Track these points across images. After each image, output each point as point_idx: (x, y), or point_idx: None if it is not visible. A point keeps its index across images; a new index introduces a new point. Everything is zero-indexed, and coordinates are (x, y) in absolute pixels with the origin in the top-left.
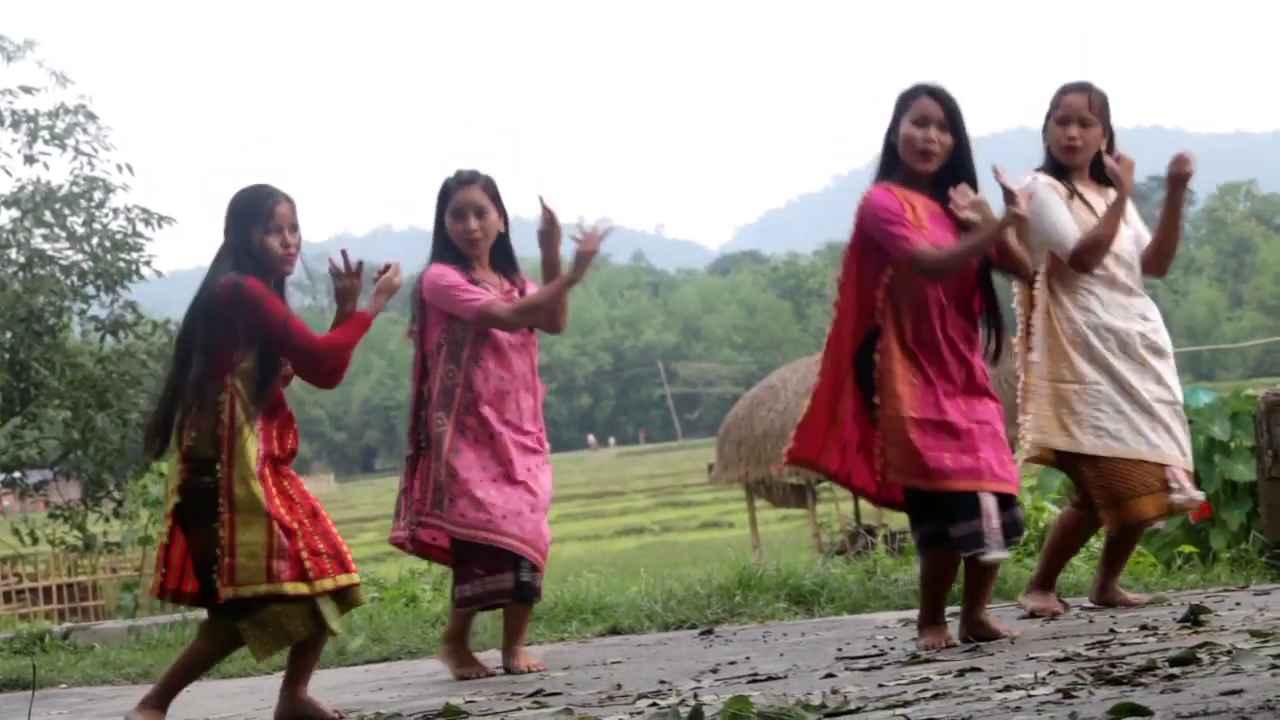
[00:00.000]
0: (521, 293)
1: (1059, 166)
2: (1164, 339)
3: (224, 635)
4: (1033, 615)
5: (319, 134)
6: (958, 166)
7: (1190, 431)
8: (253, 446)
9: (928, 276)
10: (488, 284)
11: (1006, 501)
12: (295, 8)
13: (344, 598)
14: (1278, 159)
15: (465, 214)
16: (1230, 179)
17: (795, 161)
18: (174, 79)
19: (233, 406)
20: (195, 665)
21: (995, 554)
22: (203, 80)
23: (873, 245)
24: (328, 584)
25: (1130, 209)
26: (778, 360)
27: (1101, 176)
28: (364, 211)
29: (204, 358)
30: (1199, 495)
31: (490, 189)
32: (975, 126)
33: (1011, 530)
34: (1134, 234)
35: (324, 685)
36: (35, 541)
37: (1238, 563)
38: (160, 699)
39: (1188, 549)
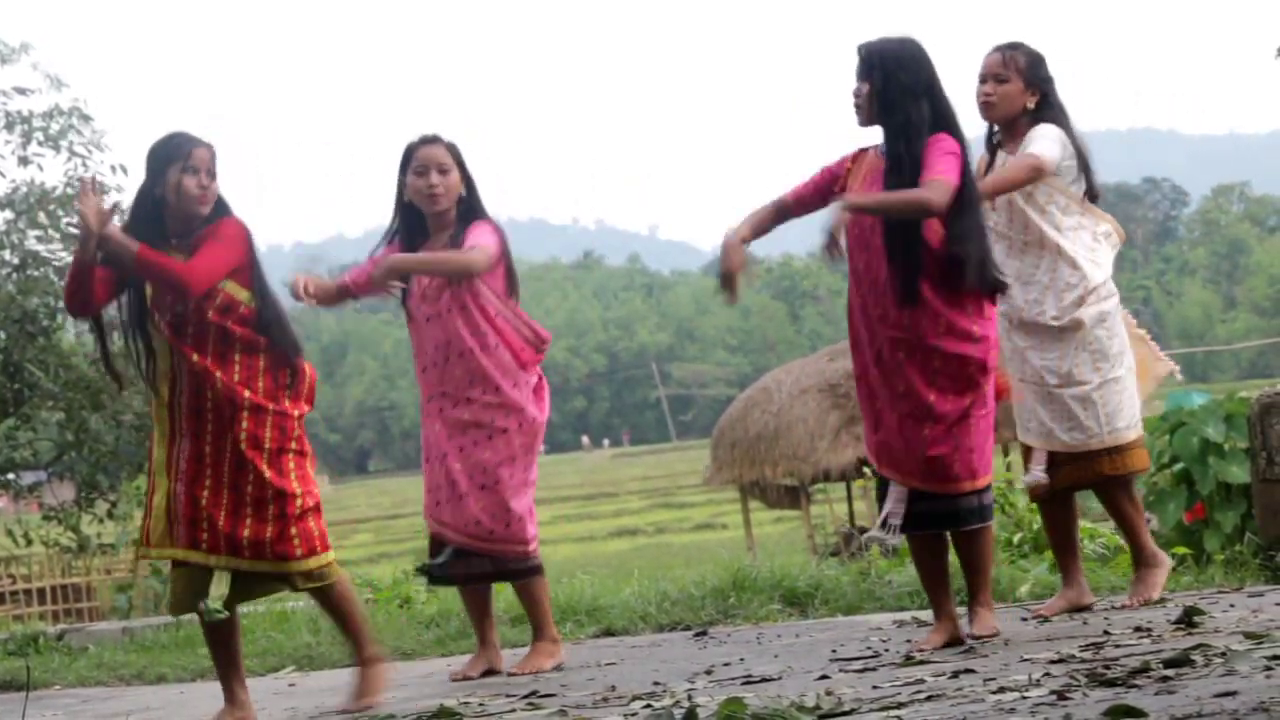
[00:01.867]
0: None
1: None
2: (1047, 307)
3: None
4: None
5: (314, 135)
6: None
7: (1186, 433)
8: (162, 409)
9: None
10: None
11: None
12: (289, 11)
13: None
14: (1271, 161)
15: (427, 170)
16: (1224, 181)
17: (790, 163)
18: (168, 81)
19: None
20: (208, 636)
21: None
22: (197, 83)
23: None
24: (213, 560)
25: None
26: (772, 362)
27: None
28: (358, 213)
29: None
30: (1038, 478)
31: (454, 151)
32: (967, 128)
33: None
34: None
35: (320, 686)
36: (29, 543)
37: (1232, 564)
38: (226, 693)
39: (1182, 550)
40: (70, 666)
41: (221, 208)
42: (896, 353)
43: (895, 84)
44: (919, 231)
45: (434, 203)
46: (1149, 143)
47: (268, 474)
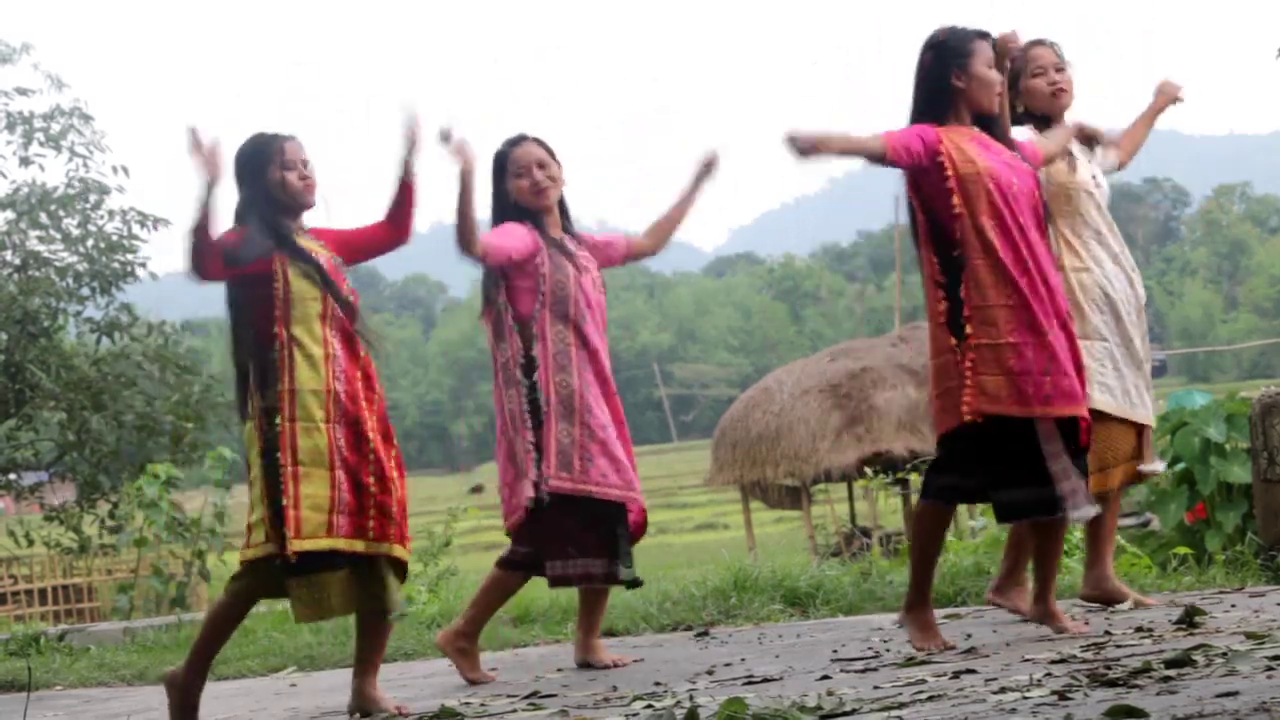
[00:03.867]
0: (590, 248)
1: (1038, 121)
2: (1143, 294)
3: (253, 591)
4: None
5: (313, 133)
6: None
7: (1187, 433)
8: (310, 395)
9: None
10: (561, 240)
11: None
12: (289, 11)
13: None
14: (1273, 161)
15: (529, 169)
16: (1225, 181)
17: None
18: (169, 81)
19: (290, 353)
20: (227, 622)
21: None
22: (198, 82)
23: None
24: (384, 549)
25: (1095, 164)
26: (773, 362)
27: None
28: (359, 213)
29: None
30: (1160, 465)
31: (545, 144)
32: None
33: None
34: (1105, 183)
35: (320, 687)
36: (30, 543)
37: (1233, 565)
38: (204, 668)
39: (1183, 550)
40: (71, 667)
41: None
42: None
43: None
44: None
45: (545, 197)
46: (1150, 143)
47: (391, 463)
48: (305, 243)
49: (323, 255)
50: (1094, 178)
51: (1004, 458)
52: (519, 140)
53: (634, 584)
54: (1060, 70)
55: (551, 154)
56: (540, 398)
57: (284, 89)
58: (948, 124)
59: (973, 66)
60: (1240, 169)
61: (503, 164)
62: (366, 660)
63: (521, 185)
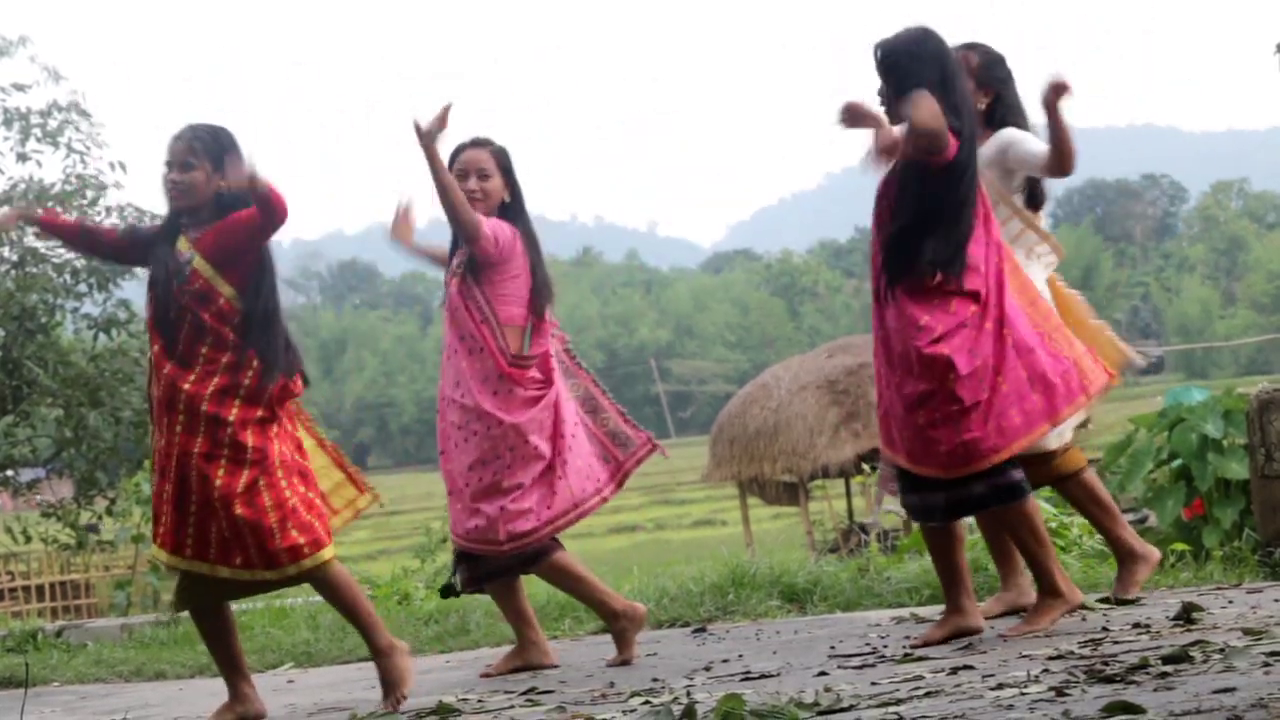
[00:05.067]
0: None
1: None
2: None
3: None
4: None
5: (313, 131)
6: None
7: (1185, 429)
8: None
9: None
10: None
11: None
12: (288, 7)
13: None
14: (1270, 157)
15: (467, 174)
16: (1223, 177)
17: (788, 159)
18: (166, 76)
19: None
20: (205, 634)
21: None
22: (195, 78)
23: None
24: (198, 567)
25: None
26: (770, 358)
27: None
28: (357, 209)
29: None
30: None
31: (501, 157)
32: None
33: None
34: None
35: (319, 683)
36: (28, 540)
37: (1230, 561)
38: (229, 687)
39: (1180, 547)
40: (69, 663)
41: (236, 200)
42: None
43: (910, 82)
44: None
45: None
46: (1148, 139)
47: (218, 482)
48: (182, 240)
49: (181, 251)
50: None
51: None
52: (476, 143)
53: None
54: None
55: (504, 167)
56: None
57: (284, 89)
58: None
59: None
60: (1238, 165)
61: (452, 161)
62: (355, 626)
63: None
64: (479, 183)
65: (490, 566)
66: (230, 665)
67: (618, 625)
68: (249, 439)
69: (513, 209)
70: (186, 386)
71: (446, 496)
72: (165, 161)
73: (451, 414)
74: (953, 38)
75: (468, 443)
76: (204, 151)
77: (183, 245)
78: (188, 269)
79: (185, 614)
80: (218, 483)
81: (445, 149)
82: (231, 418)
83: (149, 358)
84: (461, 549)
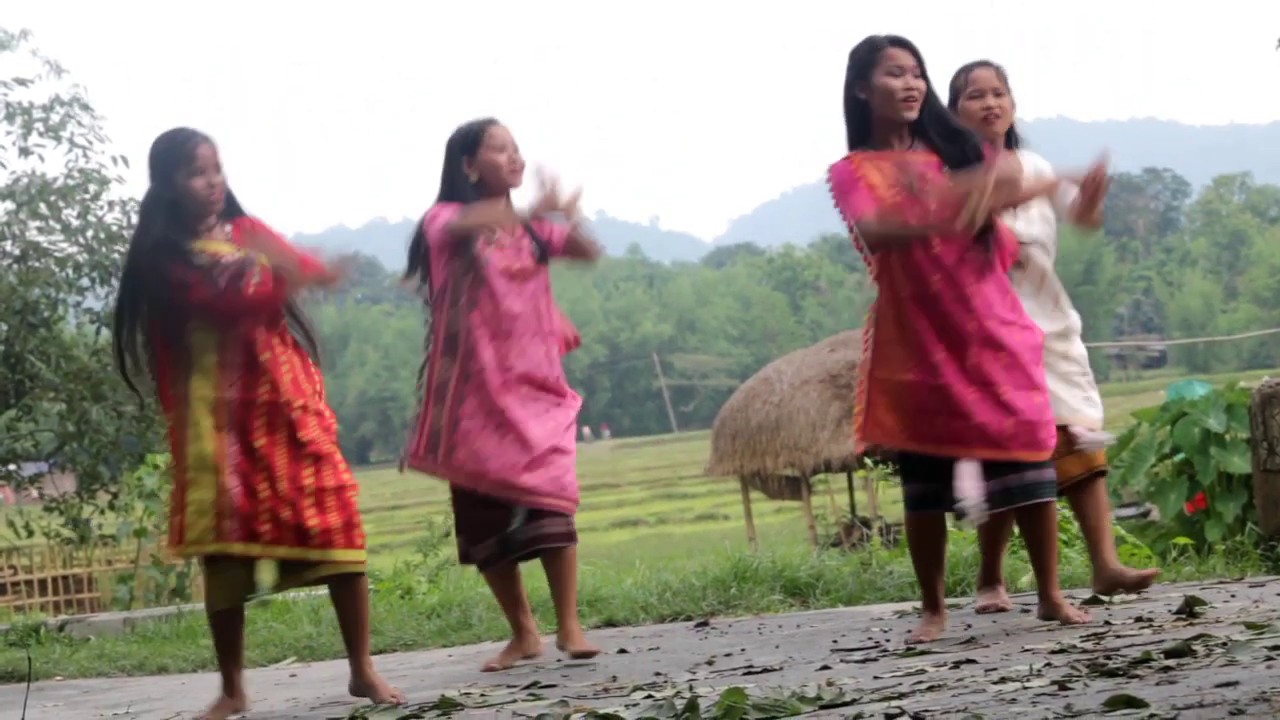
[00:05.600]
0: (536, 238)
1: None
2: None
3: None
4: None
5: (314, 126)
6: (933, 114)
7: (1187, 423)
8: (200, 402)
9: (873, 244)
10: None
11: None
12: (288, 7)
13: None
14: (1273, 151)
15: (508, 147)
16: (1225, 171)
17: (790, 153)
18: (169, 70)
19: (171, 364)
20: (219, 629)
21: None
22: (198, 72)
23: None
24: (279, 551)
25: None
26: (773, 352)
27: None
28: (359, 204)
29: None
30: (1106, 437)
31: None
32: None
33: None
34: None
35: (321, 677)
36: (30, 534)
37: (1233, 555)
38: (226, 683)
39: (1183, 541)
40: (71, 657)
41: (235, 206)
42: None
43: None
44: None
45: (517, 178)
46: (1150, 133)
47: (303, 467)
48: (205, 243)
49: (226, 253)
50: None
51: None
52: (495, 120)
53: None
54: (999, 95)
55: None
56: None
57: (284, 89)
58: (871, 144)
59: (873, 77)
60: (1240, 159)
61: (475, 140)
62: (350, 642)
63: (500, 160)
64: (517, 154)
65: (549, 531)
66: (236, 660)
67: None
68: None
69: None
70: (285, 376)
71: (506, 462)
72: (198, 167)
73: (523, 387)
74: (951, 38)
75: (548, 413)
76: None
77: (223, 247)
78: (256, 268)
79: (188, 606)
80: (308, 473)
81: None
82: (314, 408)
83: (212, 361)
84: (534, 505)
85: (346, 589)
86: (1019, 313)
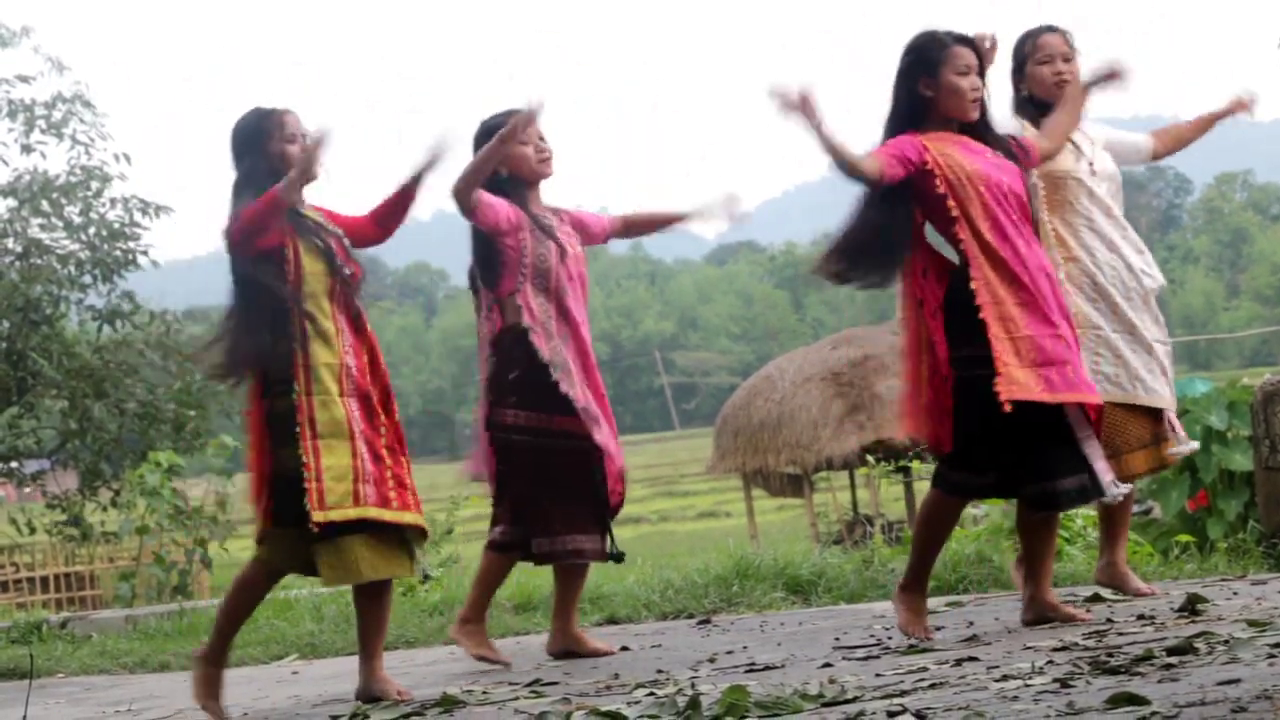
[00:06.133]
0: (573, 223)
1: (1041, 108)
2: (1157, 276)
3: (279, 563)
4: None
5: (315, 123)
6: (985, 115)
7: (1189, 421)
8: (325, 369)
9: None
10: (546, 218)
11: None
12: (288, 7)
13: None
14: (1275, 149)
15: (534, 138)
16: (1227, 169)
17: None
18: (172, 67)
19: (303, 328)
20: (245, 599)
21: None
22: (198, 72)
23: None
24: (408, 518)
25: (1100, 144)
26: (775, 350)
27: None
28: (360, 201)
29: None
30: (1192, 444)
31: None
32: None
33: None
34: (1111, 169)
35: (322, 674)
36: (33, 531)
37: (1235, 552)
38: (216, 652)
39: (1185, 538)
40: (73, 654)
41: None
42: None
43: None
44: None
45: (548, 166)
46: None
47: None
48: (311, 217)
49: (327, 230)
50: (1090, 165)
51: (1037, 450)
52: (520, 111)
53: (619, 558)
54: (1068, 60)
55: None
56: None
57: (284, 89)
58: (926, 132)
59: (942, 75)
60: (1242, 157)
61: (490, 130)
62: (367, 644)
63: (527, 152)
64: (547, 145)
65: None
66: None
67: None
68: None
69: None
70: (378, 349)
71: (607, 457)
72: (290, 134)
73: (592, 386)
74: (965, 31)
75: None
76: None
77: (318, 219)
78: (345, 239)
79: (190, 603)
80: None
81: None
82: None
83: (323, 327)
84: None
85: (377, 592)
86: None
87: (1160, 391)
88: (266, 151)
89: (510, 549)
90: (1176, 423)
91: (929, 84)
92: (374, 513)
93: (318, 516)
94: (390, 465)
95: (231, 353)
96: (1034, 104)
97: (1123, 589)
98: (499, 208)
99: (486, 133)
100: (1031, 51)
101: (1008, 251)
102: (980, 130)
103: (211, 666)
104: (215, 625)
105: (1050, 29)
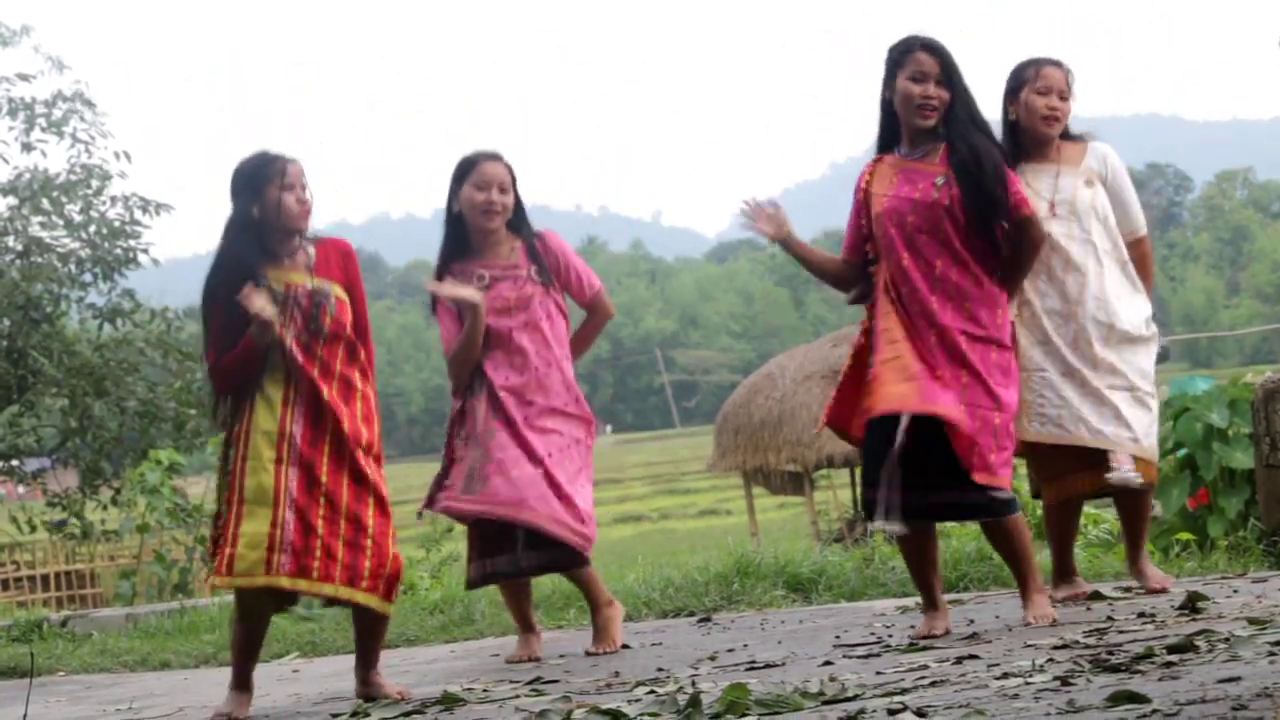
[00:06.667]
0: (541, 251)
1: (1016, 146)
2: (1124, 319)
3: (253, 604)
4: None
5: (316, 122)
6: (957, 125)
7: (1190, 418)
8: (262, 436)
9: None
10: (489, 268)
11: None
12: (288, 7)
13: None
14: (1275, 146)
15: (489, 186)
16: (1228, 166)
17: (793, 149)
18: (171, 66)
19: (250, 394)
20: (246, 633)
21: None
22: (201, 68)
23: None
24: (327, 589)
25: (1097, 189)
26: (775, 348)
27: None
28: (361, 200)
29: (205, 343)
30: (1134, 477)
31: (512, 172)
32: None
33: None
34: (1084, 205)
35: (322, 672)
36: (33, 529)
37: (1235, 550)
38: (240, 679)
39: (1185, 536)
40: (74, 653)
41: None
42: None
43: (963, 86)
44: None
45: (490, 219)
46: (1153, 128)
47: (362, 503)
48: (282, 272)
49: (302, 283)
50: (1050, 205)
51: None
52: (493, 156)
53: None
54: (1063, 99)
55: (514, 182)
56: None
57: (284, 89)
58: (896, 148)
59: (898, 79)
60: (1243, 155)
61: (467, 171)
62: (364, 653)
63: (476, 199)
64: (500, 196)
65: (562, 557)
66: (255, 658)
67: (601, 615)
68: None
69: (517, 216)
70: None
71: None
72: (289, 183)
73: (549, 422)
74: (955, 32)
75: (564, 451)
76: None
77: (298, 277)
78: (331, 300)
79: (190, 601)
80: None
81: None
82: (376, 452)
83: (268, 394)
84: (548, 533)
85: (375, 617)
86: (992, 328)
87: (1105, 432)
88: (262, 197)
89: (479, 584)
90: (1124, 459)
91: (890, 89)
92: (285, 582)
93: (218, 581)
94: (323, 535)
95: (210, 395)
96: (1015, 132)
97: (1143, 585)
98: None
99: (463, 165)
100: (1032, 78)
101: (893, 290)
102: (956, 144)
103: (237, 689)
104: (231, 655)
105: (1056, 64)
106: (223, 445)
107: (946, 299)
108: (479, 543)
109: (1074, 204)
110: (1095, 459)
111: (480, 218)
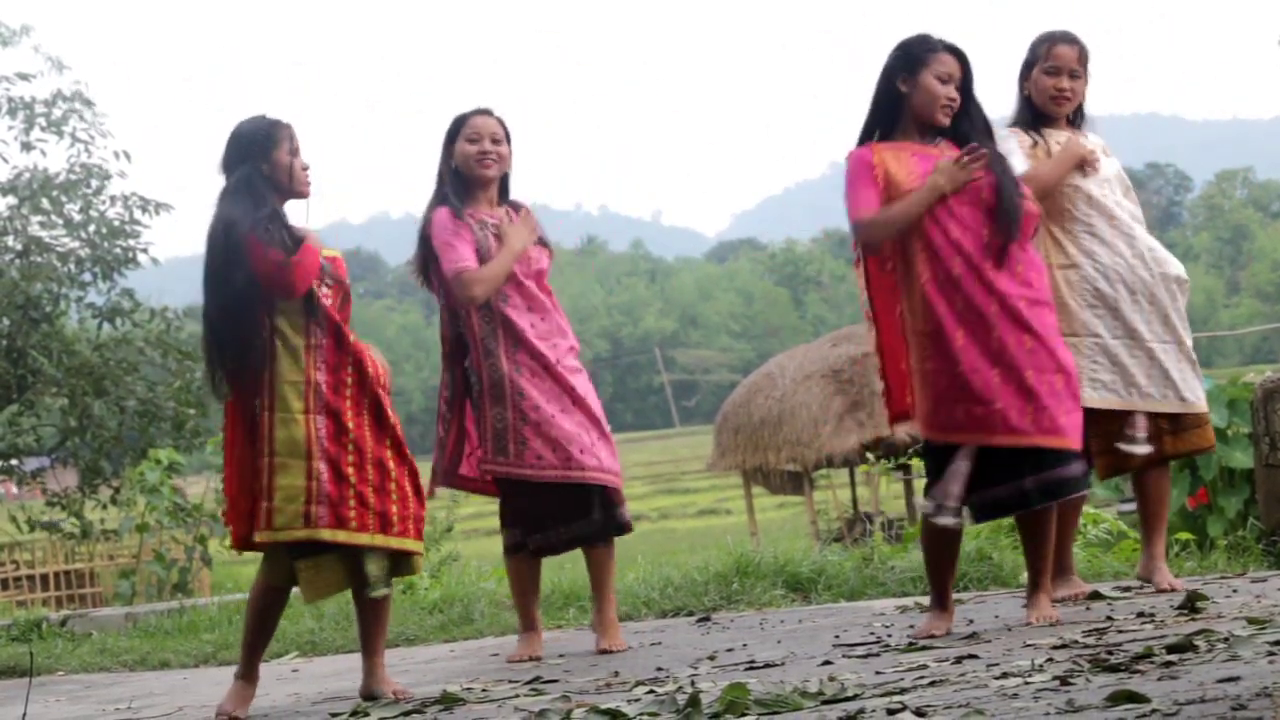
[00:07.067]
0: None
1: (1035, 116)
2: (1170, 268)
3: (275, 580)
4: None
5: (316, 121)
6: (960, 128)
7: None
8: (289, 386)
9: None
10: (487, 219)
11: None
12: (288, 7)
13: (398, 563)
14: (1275, 146)
15: (481, 138)
16: (1227, 166)
17: (793, 148)
18: (171, 66)
19: (271, 344)
20: (261, 615)
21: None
22: (201, 68)
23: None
24: (364, 539)
25: (1100, 146)
26: (775, 348)
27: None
28: (361, 199)
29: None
30: (1143, 447)
31: (505, 126)
32: None
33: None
34: (1112, 171)
35: (322, 672)
36: (32, 529)
37: (1235, 550)
38: (247, 667)
39: (1185, 536)
40: (73, 652)
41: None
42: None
43: (974, 93)
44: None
45: (486, 168)
46: (1152, 128)
47: (387, 452)
48: (293, 231)
49: (312, 234)
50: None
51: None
52: (483, 110)
53: (621, 530)
54: (1074, 77)
55: (508, 135)
56: (473, 380)
57: (284, 89)
58: (895, 135)
59: (921, 75)
60: (1243, 154)
61: (459, 127)
62: (367, 645)
63: (468, 150)
64: (494, 146)
65: (624, 518)
66: (266, 644)
67: (609, 608)
68: None
69: (508, 178)
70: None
71: (569, 459)
72: (292, 150)
73: (558, 383)
74: (955, 32)
75: (589, 396)
76: None
77: (302, 229)
78: (328, 255)
79: (190, 601)
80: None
81: None
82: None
83: (291, 343)
84: (614, 487)
85: (380, 603)
86: (1044, 291)
87: (1155, 395)
88: (272, 159)
89: (523, 549)
90: (1141, 423)
91: (907, 82)
92: (325, 534)
93: (261, 537)
94: (355, 484)
95: (209, 363)
96: (1031, 108)
97: (1154, 583)
98: (465, 251)
99: (454, 124)
100: (1043, 56)
101: (933, 279)
102: (959, 139)
103: (241, 680)
104: (242, 640)
105: (1068, 40)
106: (235, 401)
107: (999, 267)
108: (530, 511)
109: (1106, 167)
110: (1117, 438)
111: (476, 167)
